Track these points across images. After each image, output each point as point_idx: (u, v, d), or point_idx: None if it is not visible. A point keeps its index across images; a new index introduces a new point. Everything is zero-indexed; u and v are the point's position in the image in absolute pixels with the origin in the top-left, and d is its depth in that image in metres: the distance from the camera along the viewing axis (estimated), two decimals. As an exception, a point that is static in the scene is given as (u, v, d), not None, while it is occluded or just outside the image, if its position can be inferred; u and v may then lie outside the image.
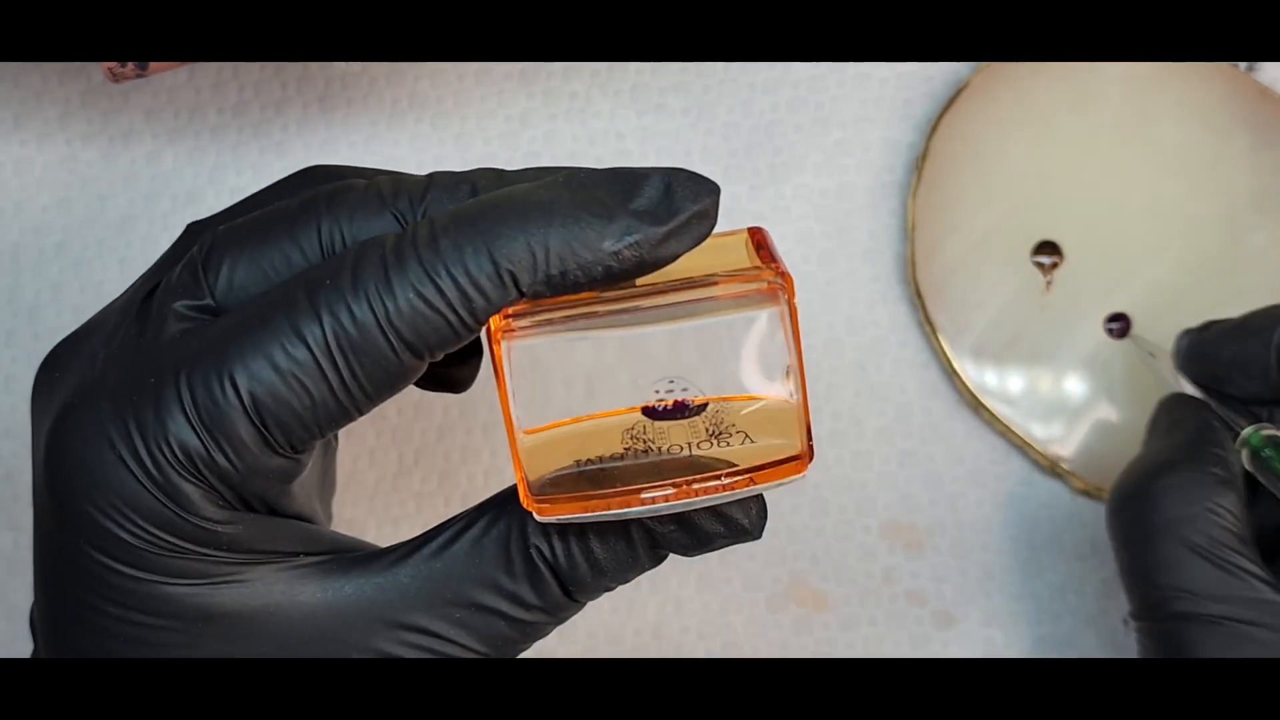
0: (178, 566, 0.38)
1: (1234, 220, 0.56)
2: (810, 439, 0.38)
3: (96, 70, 0.54)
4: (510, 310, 0.37)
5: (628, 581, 0.40)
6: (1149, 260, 0.56)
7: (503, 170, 0.40)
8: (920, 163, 0.56)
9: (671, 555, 0.40)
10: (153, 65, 0.49)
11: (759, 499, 0.39)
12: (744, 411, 0.38)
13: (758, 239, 0.40)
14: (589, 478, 0.38)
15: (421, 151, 0.55)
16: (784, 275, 0.38)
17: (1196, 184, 0.56)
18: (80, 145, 0.55)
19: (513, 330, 0.37)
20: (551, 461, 0.38)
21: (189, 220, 0.55)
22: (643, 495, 0.38)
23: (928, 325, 0.55)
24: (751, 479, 0.38)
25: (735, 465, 0.38)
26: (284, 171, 0.55)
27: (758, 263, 0.39)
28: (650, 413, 0.38)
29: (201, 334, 0.38)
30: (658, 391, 0.38)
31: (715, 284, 0.37)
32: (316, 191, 0.40)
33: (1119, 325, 0.56)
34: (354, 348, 0.37)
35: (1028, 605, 0.56)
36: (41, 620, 0.40)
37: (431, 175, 0.40)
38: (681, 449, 0.38)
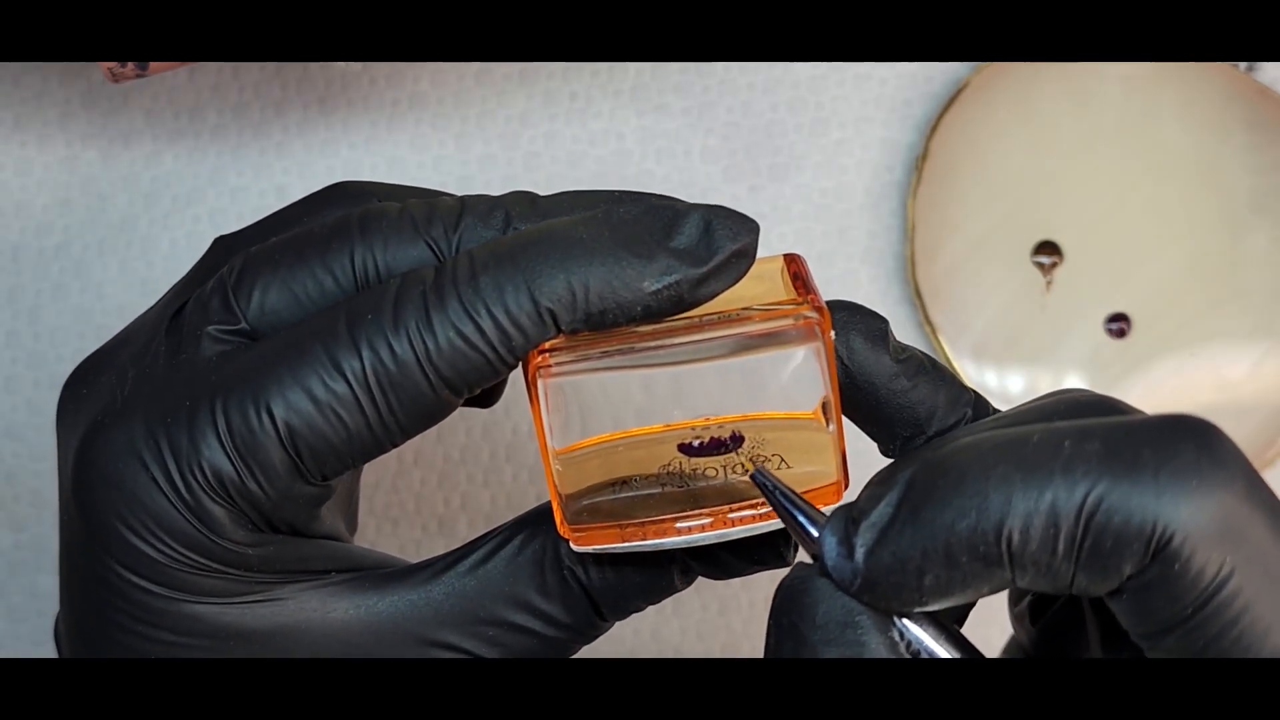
0: (207, 585, 0.38)
1: (1234, 220, 0.56)
2: (846, 468, 0.38)
3: (96, 71, 0.54)
4: (546, 344, 0.37)
5: (657, 603, 0.40)
6: (1149, 260, 0.56)
7: (536, 196, 0.40)
8: (920, 163, 0.56)
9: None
10: (153, 65, 0.49)
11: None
12: (780, 439, 0.38)
13: (794, 268, 0.40)
14: (623, 505, 0.38)
15: (421, 151, 0.55)
16: (820, 310, 0.37)
17: (1196, 184, 0.56)
18: (80, 146, 0.55)
19: (549, 366, 0.37)
20: (587, 490, 0.38)
21: (190, 220, 0.55)
22: (678, 525, 0.38)
23: (928, 325, 0.55)
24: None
25: (776, 461, 0.38)
26: (284, 172, 0.55)
27: (793, 294, 0.38)
28: (686, 449, 0.38)
29: (238, 359, 0.38)
30: (694, 429, 0.38)
31: (752, 319, 0.37)
32: (349, 215, 0.39)
33: (1119, 325, 0.56)
34: (393, 383, 0.37)
35: (1028, 605, 0.56)
36: (69, 635, 0.40)
37: (464, 200, 0.39)
38: (716, 473, 0.38)
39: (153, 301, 0.42)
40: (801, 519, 0.36)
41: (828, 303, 0.39)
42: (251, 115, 0.55)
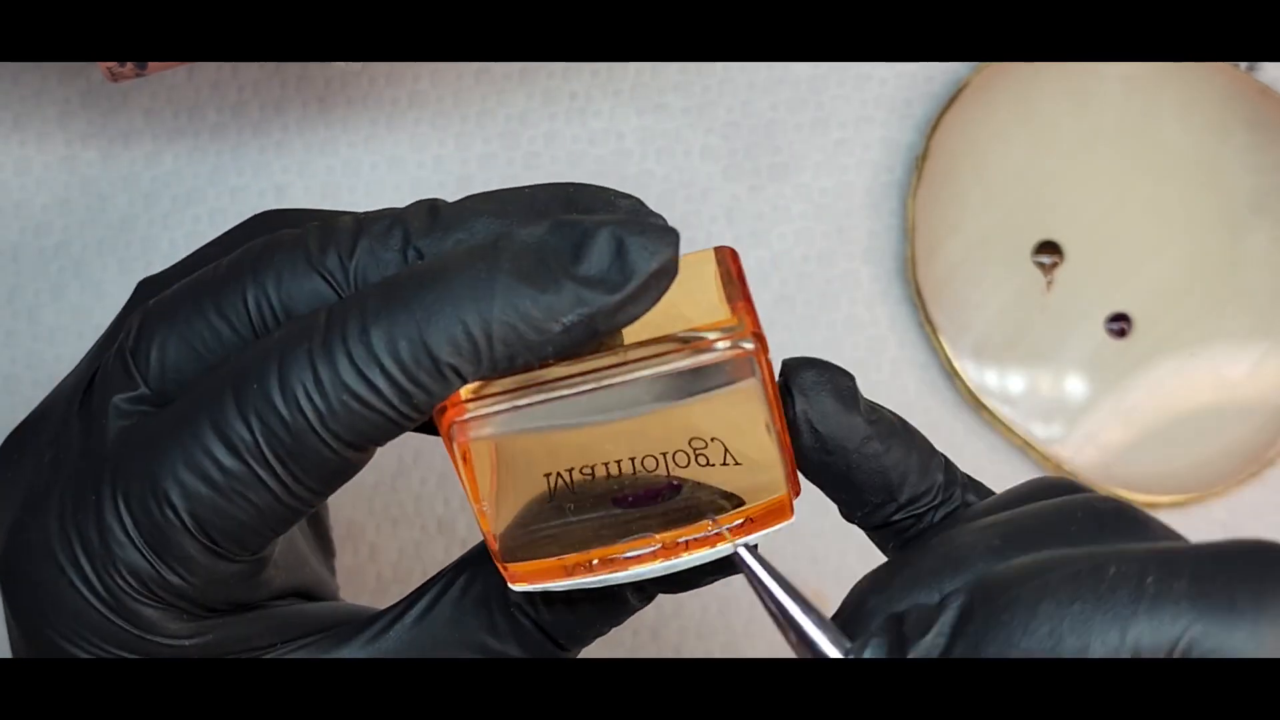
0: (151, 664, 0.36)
1: (1234, 220, 0.55)
2: (796, 483, 0.36)
3: (96, 70, 0.54)
4: (456, 394, 0.34)
5: (618, 624, 0.38)
6: (1149, 260, 0.56)
7: (437, 205, 0.36)
8: (920, 163, 0.56)
9: None
10: (152, 65, 0.49)
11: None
12: (722, 470, 0.35)
13: (726, 265, 0.36)
14: (563, 534, 0.35)
15: (421, 151, 0.55)
16: (757, 335, 0.34)
17: (1197, 184, 0.56)
18: (80, 145, 0.55)
19: (462, 421, 0.34)
20: (521, 523, 0.35)
21: (189, 220, 0.55)
22: (625, 557, 0.35)
23: (928, 325, 0.55)
24: (745, 530, 0.35)
25: (720, 503, 0.35)
26: (284, 171, 0.55)
27: (726, 309, 0.35)
28: (623, 503, 0.35)
29: (132, 440, 0.35)
30: (619, 485, 0.35)
31: (681, 351, 0.34)
32: (247, 250, 0.36)
33: (1120, 325, 0.56)
34: (290, 453, 0.34)
35: (1028, 605, 0.56)
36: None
37: (361, 220, 0.36)
38: (661, 475, 0.35)
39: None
40: (806, 623, 0.34)
41: (790, 361, 0.36)
42: (251, 114, 0.55)
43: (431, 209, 0.36)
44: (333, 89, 0.55)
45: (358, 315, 0.34)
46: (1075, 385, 0.56)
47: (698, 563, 0.36)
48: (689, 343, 0.34)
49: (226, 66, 0.55)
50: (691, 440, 0.35)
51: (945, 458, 0.38)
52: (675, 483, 0.35)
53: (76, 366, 0.39)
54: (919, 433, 0.37)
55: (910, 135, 0.56)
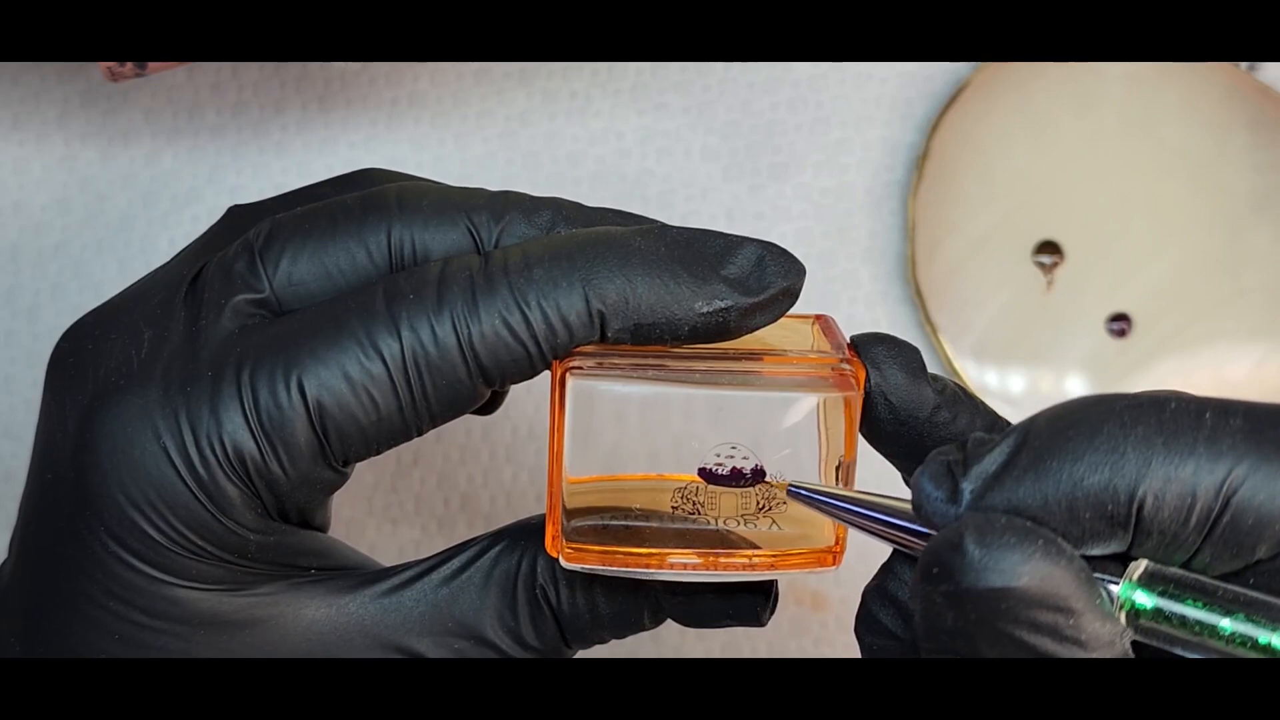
0: (195, 570, 0.37)
1: (1235, 219, 0.55)
2: (844, 537, 0.38)
3: (95, 70, 0.54)
4: (578, 349, 0.36)
5: (623, 637, 0.40)
6: (1150, 259, 0.56)
7: (582, 205, 0.39)
8: (921, 162, 0.55)
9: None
10: (151, 65, 0.48)
11: (775, 592, 0.39)
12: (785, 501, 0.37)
13: (824, 324, 0.39)
14: (616, 533, 0.37)
15: (421, 151, 0.55)
16: (855, 363, 0.37)
17: (1198, 183, 0.56)
18: (79, 145, 0.55)
19: (580, 369, 0.36)
20: (586, 509, 0.37)
21: (189, 220, 0.55)
22: (669, 560, 0.37)
23: (928, 325, 0.55)
24: (774, 564, 0.37)
25: (758, 548, 0.37)
26: (283, 172, 0.55)
27: (826, 346, 0.38)
28: (707, 475, 0.37)
29: (268, 331, 0.36)
30: (718, 455, 0.37)
31: (791, 360, 0.37)
32: (385, 190, 0.38)
33: (1120, 325, 0.56)
34: (430, 367, 0.36)
35: (1028, 606, 0.55)
36: (18, 595, 0.38)
37: (507, 194, 0.39)
38: (712, 522, 0.37)
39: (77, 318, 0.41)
40: (877, 513, 0.35)
41: (861, 336, 0.38)
42: (250, 114, 0.55)
43: (577, 205, 0.39)
44: (332, 89, 0.55)
45: (520, 255, 0.36)
46: (1076, 385, 0.56)
47: (731, 580, 0.38)
48: (798, 356, 0.37)
49: (226, 66, 0.55)
50: (773, 452, 0.37)
51: (1008, 423, 0.39)
52: (760, 469, 0.37)
53: (161, 269, 0.39)
54: (979, 399, 0.39)
55: (911, 135, 0.56)
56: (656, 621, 0.39)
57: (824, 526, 0.38)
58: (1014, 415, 0.55)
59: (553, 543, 0.37)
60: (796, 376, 0.37)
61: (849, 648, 0.55)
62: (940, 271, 0.55)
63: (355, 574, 0.39)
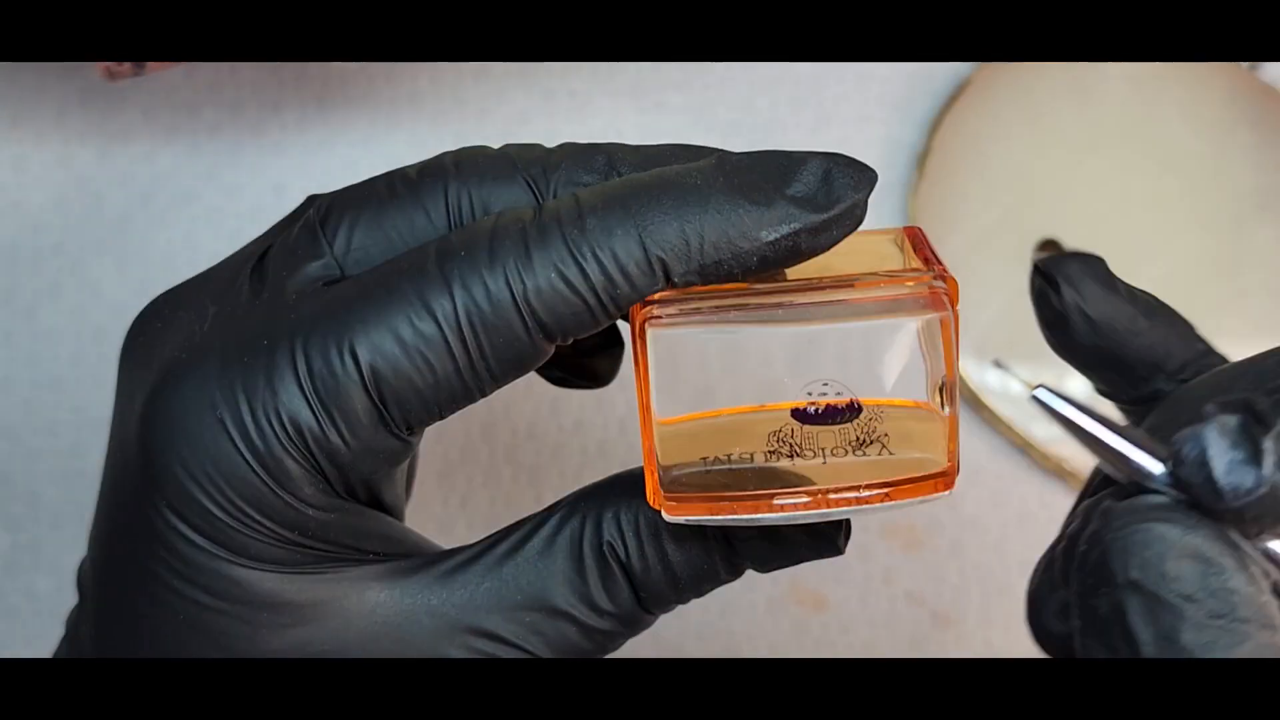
0: (255, 548, 0.36)
1: (1236, 218, 0.55)
2: (957, 456, 0.36)
3: (93, 70, 0.54)
4: (655, 296, 0.35)
5: (702, 594, 0.38)
6: (1151, 258, 0.56)
7: (638, 146, 0.38)
8: (921, 161, 0.55)
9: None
10: (149, 65, 0.48)
11: (847, 519, 0.38)
12: (892, 420, 0.36)
13: (914, 237, 0.38)
14: (718, 479, 0.36)
15: (420, 150, 0.55)
16: (948, 279, 0.35)
17: (1199, 182, 0.55)
18: (77, 144, 0.55)
19: (659, 318, 0.35)
20: (682, 458, 0.36)
21: (186, 219, 0.55)
22: (775, 502, 0.36)
23: (928, 325, 0.55)
24: (888, 494, 0.36)
25: (865, 478, 0.36)
26: (281, 171, 0.55)
27: (916, 262, 0.37)
28: (800, 415, 0.36)
29: (321, 298, 0.36)
30: (810, 394, 0.35)
31: (878, 284, 0.35)
32: (442, 155, 0.38)
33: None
34: (485, 325, 0.35)
35: (1029, 606, 0.55)
36: (96, 576, 0.38)
37: (563, 145, 0.38)
38: (815, 454, 0.36)
39: (151, 299, 0.41)
40: (1125, 446, 0.33)
41: (1048, 257, 0.37)
42: (249, 114, 0.55)
43: (634, 146, 0.37)
44: (331, 89, 0.55)
45: (573, 205, 0.35)
46: (1076, 384, 0.55)
47: (842, 516, 0.36)
48: (886, 278, 0.35)
49: (224, 66, 0.55)
50: (868, 381, 0.35)
51: (1201, 339, 0.39)
52: (856, 404, 0.35)
53: (235, 253, 0.39)
54: (1173, 309, 0.39)
55: (911, 134, 0.56)
56: (734, 572, 0.38)
57: (936, 448, 0.36)
58: (1014, 415, 0.55)
59: (654, 496, 0.36)
60: (884, 301, 0.35)
61: (849, 648, 0.55)
62: (940, 271, 0.55)
63: (416, 558, 0.38)
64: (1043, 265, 0.38)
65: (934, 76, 0.56)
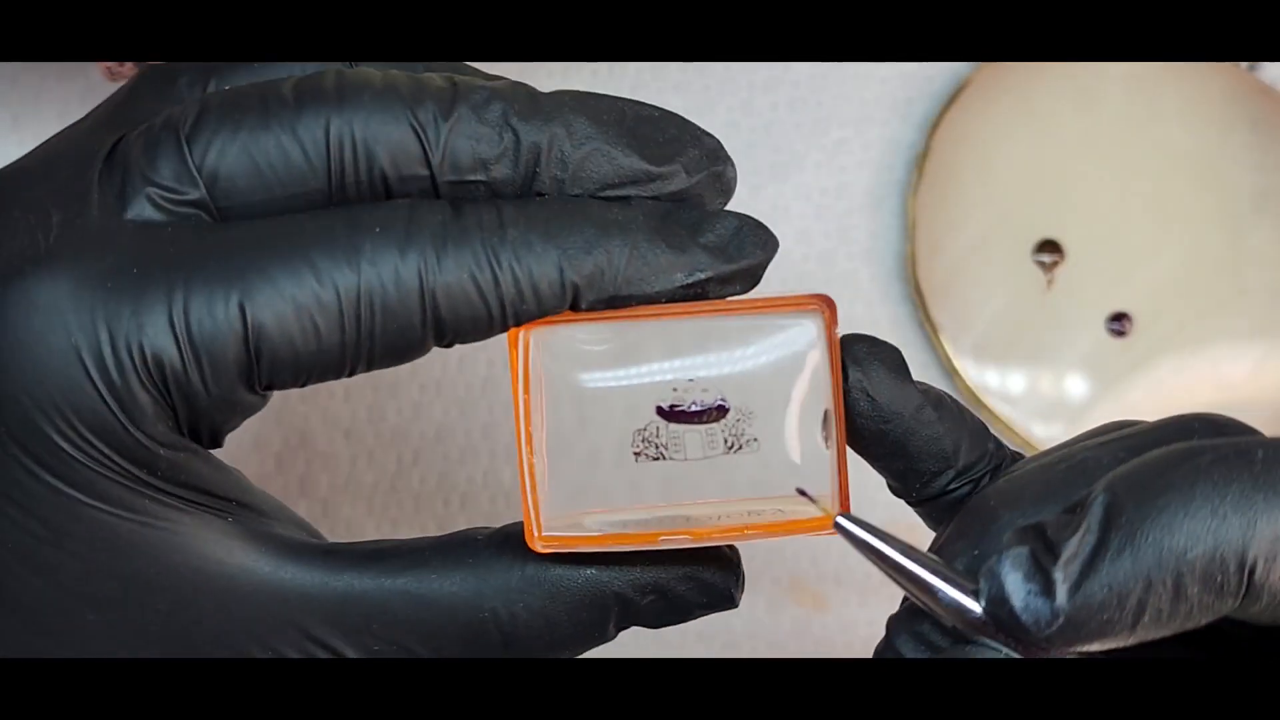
0: (102, 487, 0.34)
1: (1235, 218, 0.55)
2: (847, 492, 0.36)
3: (94, 70, 0.54)
4: (539, 321, 0.35)
5: (578, 654, 0.37)
6: (1150, 259, 0.56)
7: (535, 92, 0.36)
8: (921, 161, 0.55)
9: None
10: (150, 65, 0.48)
11: (739, 570, 0.37)
12: (763, 424, 0.35)
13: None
14: (604, 494, 0.35)
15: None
16: (828, 301, 0.35)
17: (1198, 182, 0.55)
18: (78, 145, 0.55)
19: (541, 328, 0.35)
20: (567, 481, 0.35)
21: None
22: (661, 539, 0.35)
23: (928, 324, 0.55)
24: (770, 529, 0.35)
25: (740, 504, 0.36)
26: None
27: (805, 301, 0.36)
28: (665, 413, 0.35)
29: (208, 238, 0.34)
30: (675, 390, 0.35)
31: (762, 300, 0.36)
32: (322, 77, 0.36)
33: (1120, 324, 0.56)
34: (384, 307, 0.34)
35: (1029, 605, 0.55)
36: None
37: (456, 85, 0.36)
38: (682, 456, 0.35)
39: None
40: (924, 573, 0.33)
41: (843, 336, 0.37)
42: (250, 114, 0.55)
43: (530, 94, 0.36)
44: (332, 88, 0.55)
45: (494, 212, 0.34)
46: (1076, 384, 0.55)
47: (720, 544, 0.36)
48: (766, 300, 0.36)
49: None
50: (745, 410, 0.35)
51: (995, 440, 0.38)
52: (723, 405, 0.35)
53: (71, 130, 0.37)
54: (964, 405, 0.38)
55: (911, 134, 0.56)
56: (619, 630, 0.37)
57: (821, 474, 0.35)
58: (1014, 415, 0.55)
59: (531, 535, 0.36)
60: (762, 310, 0.35)
61: (849, 648, 0.55)
62: (940, 271, 0.55)
63: (296, 540, 0.36)
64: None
65: (933, 77, 0.56)
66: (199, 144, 0.35)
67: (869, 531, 0.33)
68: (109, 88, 0.55)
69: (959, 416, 0.37)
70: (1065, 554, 0.31)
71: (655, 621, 0.37)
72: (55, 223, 0.34)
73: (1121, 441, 0.35)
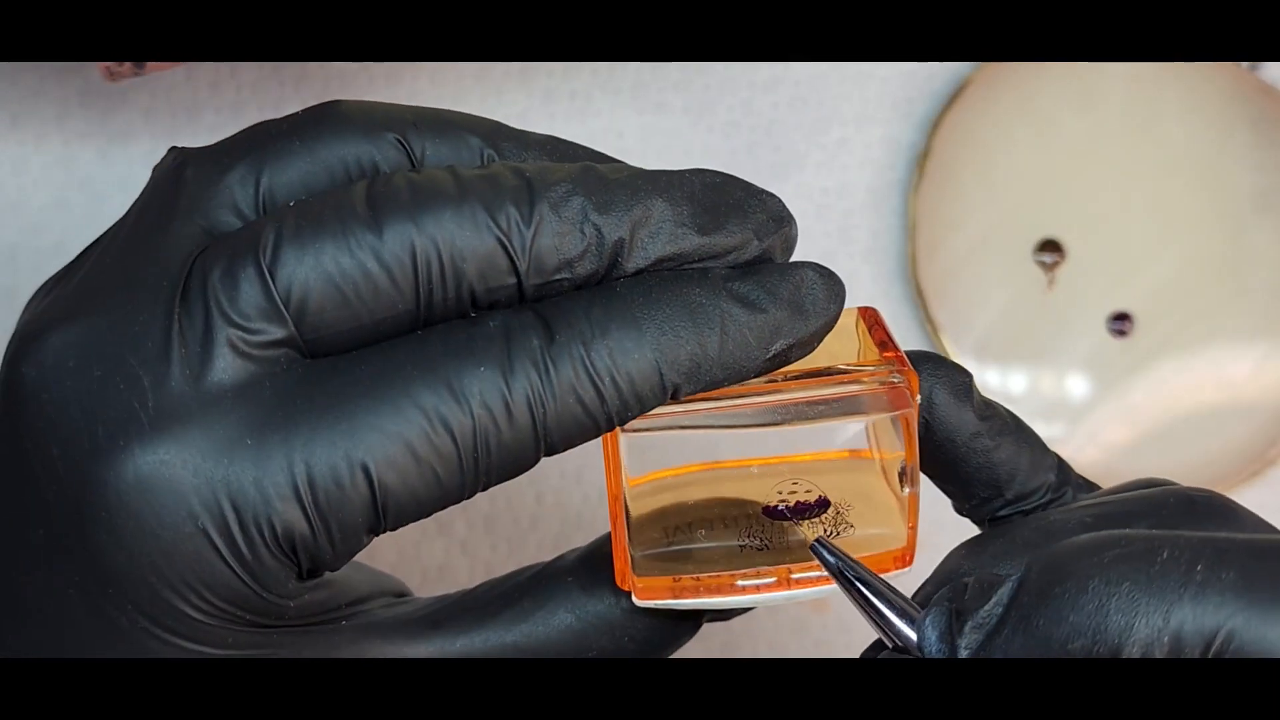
0: (233, 638, 0.34)
1: (1237, 218, 0.55)
2: (914, 537, 0.37)
3: (94, 70, 0.54)
4: None
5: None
6: (1151, 259, 0.55)
7: (604, 174, 0.35)
8: (922, 161, 0.55)
9: None
10: (150, 65, 0.48)
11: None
12: (854, 495, 0.37)
13: (870, 320, 0.39)
14: (681, 557, 0.37)
15: (420, 151, 0.55)
16: (908, 373, 0.36)
17: (1199, 182, 0.55)
18: (78, 145, 0.55)
19: (632, 426, 0.35)
20: (650, 544, 0.37)
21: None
22: (739, 584, 0.37)
23: (929, 324, 0.55)
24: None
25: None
26: (282, 171, 0.55)
27: (874, 350, 0.37)
28: (772, 513, 0.37)
29: (313, 394, 0.33)
30: (780, 492, 0.37)
31: (841, 380, 0.36)
32: (391, 184, 0.34)
33: (1121, 324, 0.56)
34: (500, 444, 0.34)
35: (1029, 606, 0.55)
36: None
37: (531, 182, 0.34)
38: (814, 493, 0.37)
39: (14, 340, 0.36)
40: (880, 604, 0.34)
41: (910, 353, 0.38)
42: (249, 114, 0.55)
43: (602, 180, 0.35)
44: (332, 89, 0.55)
45: (585, 321, 0.34)
46: (1077, 384, 0.55)
47: (808, 597, 0.38)
48: (849, 374, 0.37)
49: (225, 66, 0.55)
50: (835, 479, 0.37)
51: (1060, 459, 0.39)
52: (824, 500, 0.37)
53: (125, 261, 0.35)
54: (1034, 433, 0.38)
55: (912, 134, 0.56)
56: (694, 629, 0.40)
57: (895, 526, 0.37)
58: (1015, 414, 0.55)
59: (623, 580, 0.37)
60: (849, 399, 0.36)
61: (849, 648, 0.55)
62: (941, 270, 0.55)
63: (442, 604, 0.38)
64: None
65: (934, 76, 0.56)
66: (282, 275, 0.33)
67: (835, 556, 0.35)
68: (108, 88, 0.55)
69: (1018, 444, 0.38)
70: (971, 622, 0.33)
71: (730, 614, 0.40)
72: (147, 386, 0.33)
73: (1091, 509, 0.36)
